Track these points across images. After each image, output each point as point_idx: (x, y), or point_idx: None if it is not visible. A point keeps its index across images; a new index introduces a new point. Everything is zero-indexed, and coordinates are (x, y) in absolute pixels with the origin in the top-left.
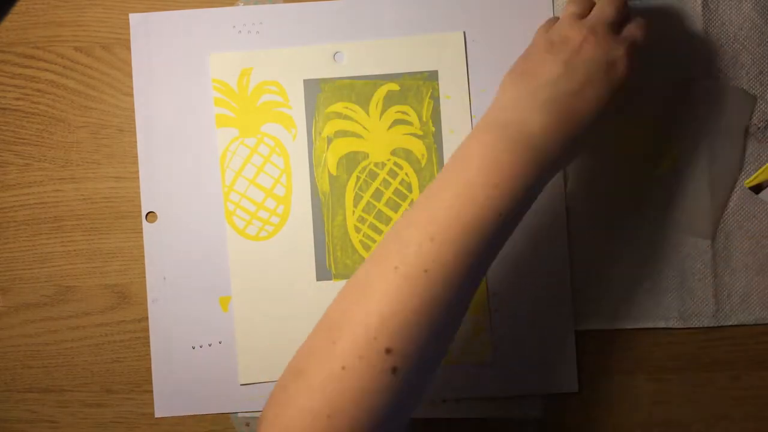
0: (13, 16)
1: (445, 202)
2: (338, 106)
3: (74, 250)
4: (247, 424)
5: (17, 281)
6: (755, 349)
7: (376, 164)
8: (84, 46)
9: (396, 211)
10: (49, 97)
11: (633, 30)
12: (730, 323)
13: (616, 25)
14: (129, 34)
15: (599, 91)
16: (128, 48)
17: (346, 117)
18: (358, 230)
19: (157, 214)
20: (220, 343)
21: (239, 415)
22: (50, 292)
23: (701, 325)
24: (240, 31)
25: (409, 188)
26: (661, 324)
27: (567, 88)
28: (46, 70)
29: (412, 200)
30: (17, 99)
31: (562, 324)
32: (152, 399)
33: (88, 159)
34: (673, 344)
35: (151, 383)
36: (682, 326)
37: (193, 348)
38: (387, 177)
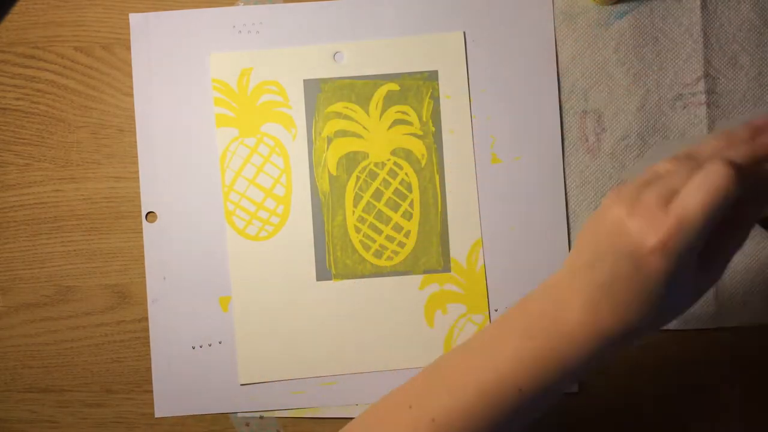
0: (13, 16)
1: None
2: (338, 106)
3: (74, 250)
4: (247, 424)
5: (17, 281)
6: (755, 349)
7: (376, 164)
8: (84, 46)
9: (396, 211)
10: (49, 97)
11: (688, 198)
12: (732, 324)
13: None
14: (129, 34)
15: (626, 295)
16: (128, 48)
17: (346, 117)
18: (358, 230)
19: (157, 214)
20: (220, 343)
21: (239, 415)
22: (50, 292)
23: (702, 327)
24: (240, 31)
25: (409, 188)
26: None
27: (598, 280)
28: (46, 70)
29: (412, 200)
30: (17, 99)
31: None
32: (152, 399)
33: (88, 159)
34: (673, 345)
35: (151, 383)
36: (683, 328)
37: (193, 348)
38: (387, 177)
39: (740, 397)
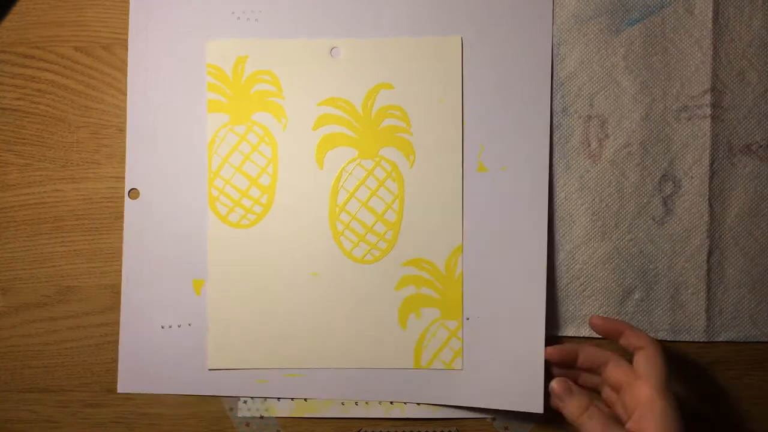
0: (13, 16)
1: None
2: (330, 101)
3: (74, 250)
4: (247, 424)
5: (17, 281)
6: (755, 349)
7: (363, 161)
8: (84, 46)
9: (379, 210)
10: (49, 97)
11: None
12: (720, 339)
13: None
14: (129, 34)
15: None
16: (128, 48)
17: (338, 112)
18: (339, 226)
19: (140, 191)
20: (189, 325)
21: (239, 414)
22: (50, 292)
23: (691, 340)
24: (239, 18)
25: (395, 188)
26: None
27: None
28: (46, 70)
29: (396, 200)
30: (17, 99)
31: (533, 344)
32: (152, 399)
33: (88, 159)
34: (672, 346)
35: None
36: (673, 339)
37: (162, 327)
38: (373, 175)
39: (740, 398)
